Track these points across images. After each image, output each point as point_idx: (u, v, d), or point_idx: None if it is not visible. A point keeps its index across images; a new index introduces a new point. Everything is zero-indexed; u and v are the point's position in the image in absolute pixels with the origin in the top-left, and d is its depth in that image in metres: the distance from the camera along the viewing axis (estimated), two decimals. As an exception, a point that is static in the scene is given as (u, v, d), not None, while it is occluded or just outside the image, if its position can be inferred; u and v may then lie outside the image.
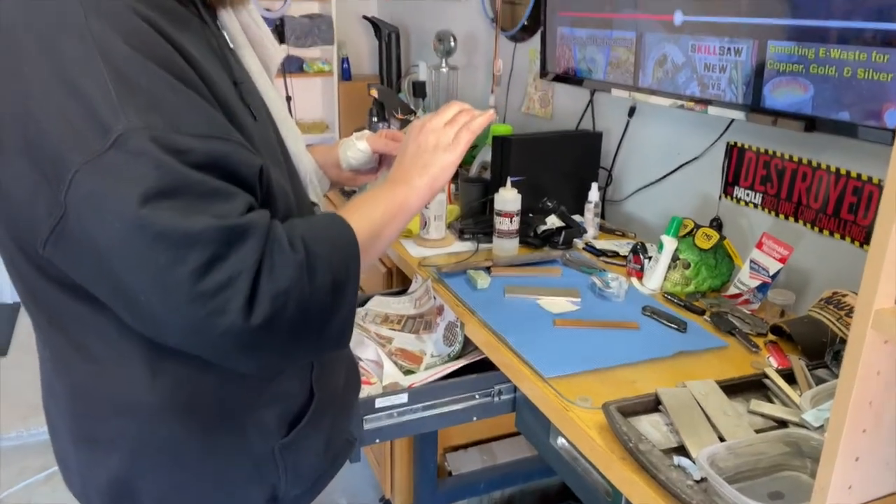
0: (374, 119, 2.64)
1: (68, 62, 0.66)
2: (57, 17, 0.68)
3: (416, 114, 2.49)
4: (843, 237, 1.39)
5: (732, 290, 1.48)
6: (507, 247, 1.72)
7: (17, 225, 0.74)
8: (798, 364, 1.16)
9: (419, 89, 2.83)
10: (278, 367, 0.86)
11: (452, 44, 2.71)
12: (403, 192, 0.91)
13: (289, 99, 3.43)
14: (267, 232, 0.70)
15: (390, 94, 2.64)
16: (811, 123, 1.32)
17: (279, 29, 3.55)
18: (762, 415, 1.04)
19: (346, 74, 3.90)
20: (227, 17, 0.93)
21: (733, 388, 1.10)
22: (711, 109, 1.54)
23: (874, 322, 0.62)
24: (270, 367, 0.84)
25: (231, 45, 0.92)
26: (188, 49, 0.74)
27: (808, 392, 1.05)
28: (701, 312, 1.41)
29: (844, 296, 1.27)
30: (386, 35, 3.37)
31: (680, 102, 1.64)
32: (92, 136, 0.65)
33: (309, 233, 0.75)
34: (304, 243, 0.73)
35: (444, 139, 0.96)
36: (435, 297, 1.55)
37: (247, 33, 0.95)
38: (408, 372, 1.42)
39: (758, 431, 0.99)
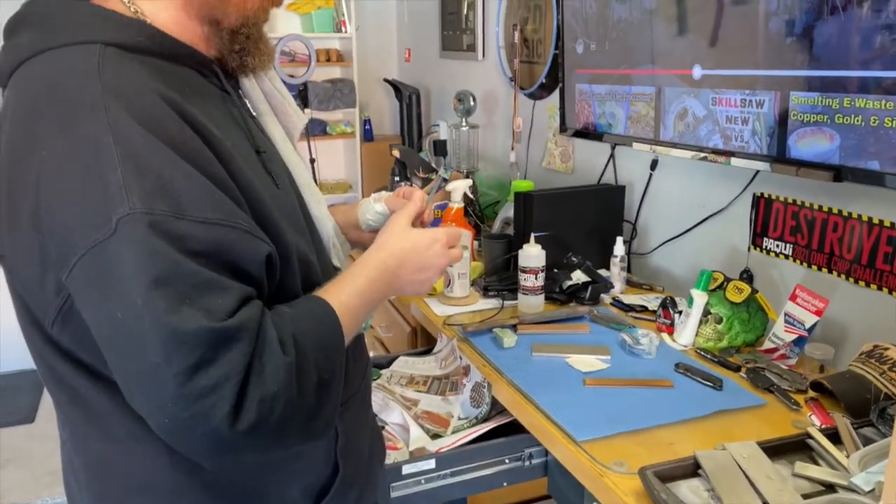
0: (397, 178, 2.67)
1: (82, 143, 0.67)
2: (77, 96, 0.70)
3: (437, 172, 2.51)
4: (880, 288, 1.35)
5: (768, 345, 1.43)
6: (532, 303, 1.69)
7: (31, 302, 0.75)
8: (843, 423, 1.11)
9: (440, 148, 2.86)
10: (254, 462, 0.83)
11: (472, 103, 2.75)
12: (389, 292, 0.92)
13: (313, 161, 3.48)
14: (257, 333, 0.69)
15: (412, 154, 2.67)
16: (839, 173, 1.30)
17: (303, 94, 3.63)
18: (808, 478, 0.99)
19: (368, 135, 3.96)
20: (249, 85, 0.94)
21: (776, 450, 1.05)
22: (735, 161, 1.53)
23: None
24: (246, 463, 0.82)
25: (254, 114, 0.94)
26: (208, 126, 0.75)
27: (855, 453, 1.00)
28: (736, 369, 1.36)
29: (886, 349, 1.22)
30: (407, 96, 3.43)
31: (703, 155, 1.63)
32: (97, 221, 0.65)
33: (299, 331, 0.74)
34: (295, 344, 0.72)
35: (440, 262, 0.95)
36: (461, 357, 1.53)
37: (269, 101, 0.97)
38: (435, 436, 1.38)
39: (805, 497, 0.94)
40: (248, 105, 0.94)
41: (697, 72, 1.61)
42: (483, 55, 2.97)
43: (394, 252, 0.92)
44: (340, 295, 0.83)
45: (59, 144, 0.68)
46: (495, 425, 1.38)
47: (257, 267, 0.74)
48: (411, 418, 1.40)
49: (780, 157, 1.43)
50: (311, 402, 0.73)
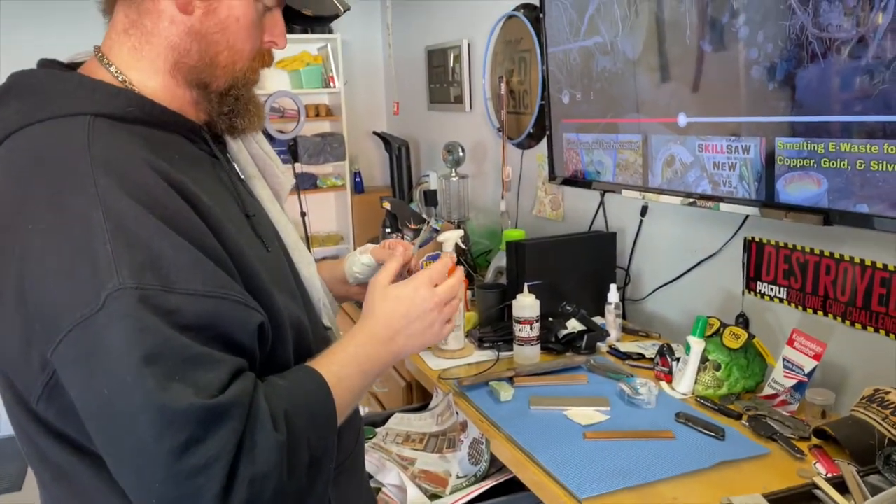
0: (388, 230, 2.67)
1: (70, 217, 0.67)
2: (65, 169, 0.69)
3: (427, 222, 2.51)
4: (876, 330, 1.34)
5: (768, 391, 1.42)
6: (528, 354, 1.67)
7: (15, 379, 0.73)
8: (849, 471, 1.09)
9: (430, 198, 2.87)
10: None
11: (461, 153, 2.77)
12: (390, 359, 0.88)
13: (304, 215, 3.48)
14: (248, 410, 0.68)
15: (402, 206, 2.67)
16: (829, 217, 1.31)
17: (293, 148, 3.66)
18: (818, 531, 0.96)
19: (358, 187, 3.98)
20: (237, 148, 0.95)
21: (782, 502, 1.02)
22: (725, 206, 1.54)
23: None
24: None
25: (242, 177, 0.94)
26: (199, 195, 0.74)
27: (864, 503, 0.97)
28: (738, 417, 1.34)
29: (887, 393, 1.21)
30: (396, 148, 3.46)
31: (691, 200, 1.64)
32: (85, 297, 0.64)
33: (292, 407, 0.72)
34: (287, 421, 0.71)
35: (440, 317, 0.92)
36: (457, 413, 1.50)
37: (257, 163, 0.97)
38: (433, 496, 1.34)
39: (816, 552, 0.91)
40: (237, 168, 0.94)
41: (682, 119, 1.63)
42: (470, 107, 3.01)
43: (379, 318, 0.89)
44: (332, 366, 0.81)
45: (47, 218, 0.68)
46: (495, 483, 1.35)
47: (249, 337, 0.72)
48: (408, 479, 1.37)
49: (768, 201, 1.43)
50: (301, 482, 0.71)
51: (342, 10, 0.90)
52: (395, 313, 0.89)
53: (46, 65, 0.82)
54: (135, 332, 0.64)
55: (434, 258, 2.15)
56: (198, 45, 0.80)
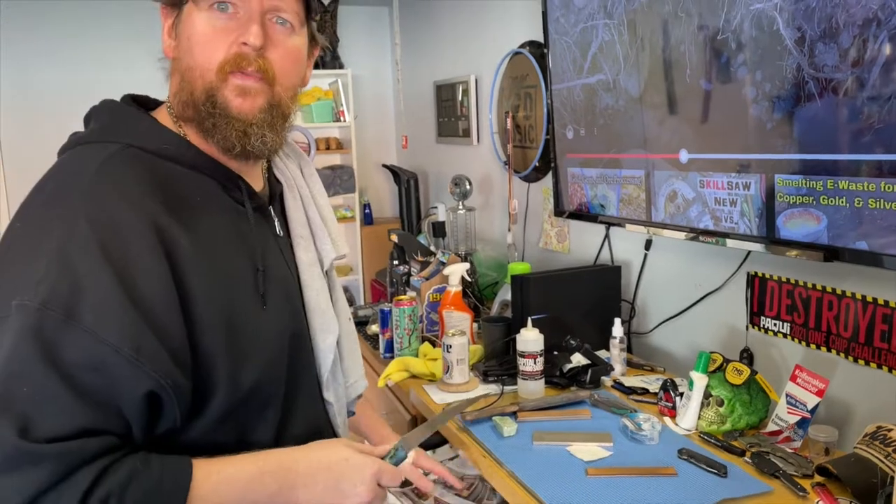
0: (395, 262, 2.69)
1: (38, 226, 0.73)
2: (62, 188, 0.76)
3: (434, 255, 2.53)
4: (879, 366, 1.34)
5: (771, 427, 1.41)
6: (532, 388, 1.68)
7: None
8: (851, 510, 1.09)
9: (439, 230, 2.90)
10: None
11: (468, 186, 2.80)
12: (278, 498, 0.80)
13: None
14: (67, 472, 0.65)
15: (410, 239, 2.70)
16: (830, 253, 1.32)
17: (303, 180, 3.71)
18: (819, 572, 0.96)
19: (367, 219, 4.02)
20: (293, 206, 0.97)
21: (784, 541, 1.02)
22: (730, 242, 1.55)
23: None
24: None
25: (279, 232, 0.95)
26: (181, 242, 0.75)
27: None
28: (741, 453, 1.34)
29: (890, 430, 1.20)
30: (405, 181, 3.50)
31: (693, 235, 1.65)
32: (4, 299, 0.68)
33: (126, 497, 0.68)
34: (104, 501, 0.66)
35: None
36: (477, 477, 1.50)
37: (310, 225, 0.99)
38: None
39: (816, 593, 0.91)
40: (276, 224, 0.95)
41: (684, 156, 1.65)
42: (478, 140, 3.05)
43: (314, 456, 0.83)
44: (220, 473, 0.75)
45: (29, 219, 0.74)
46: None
47: (130, 400, 0.70)
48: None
49: (769, 237, 1.45)
50: None
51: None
52: (326, 467, 0.83)
53: (125, 98, 0.89)
54: (8, 350, 0.67)
55: (440, 291, 2.17)
56: (180, 77, 0.85)
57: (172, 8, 0.86)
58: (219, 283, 0.78)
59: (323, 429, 0.98)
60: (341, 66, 3.86)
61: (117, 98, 0.89)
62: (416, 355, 1.94)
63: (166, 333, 0.72)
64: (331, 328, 0.96)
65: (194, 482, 0.73)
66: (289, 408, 0.88)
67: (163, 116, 0.87)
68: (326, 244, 1.00)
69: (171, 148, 0.82)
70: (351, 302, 4.04)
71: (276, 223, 0.95)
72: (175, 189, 0.79)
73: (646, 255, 2.02)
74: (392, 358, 1.96)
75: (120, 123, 0.83)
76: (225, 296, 0.78)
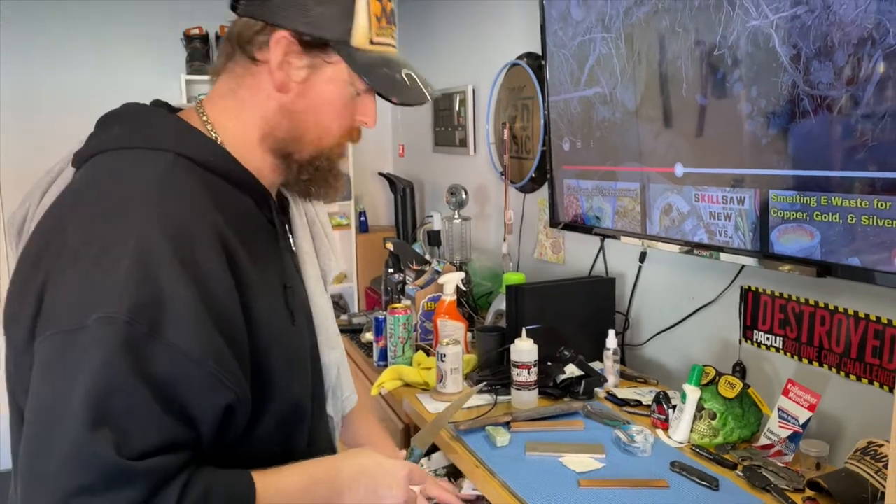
0: (391, 270, 2.69)
1: (109, 235, 0.71)
2: (127, 194, 0.75)
3: (430, 264, 2.54)
4: (871, 382, 1.35)
5: (763, 441, 1.42)
6: (525, 399, 1.68)
7: (17, 379, 0.76)
8: (841, 525, 1.09)
9: (434, 239, 2.91)
10: None
11: (464, 196, 2.81)
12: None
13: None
14: (157, 487, 0.67)
15: (405, 247, 2.70)
16: (823, 269, 1.33)
17: (299, 187, 3.71)
18: (809, 586, 0.96)
19: (363, 227, 4.02)
20: (299, 223, 0.99)
21: (775, 555, 1.02)
22: (724, 256, 1.56)
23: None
24: None
25: (293, 249, 0.97)
26: (242, 256, 0.77)
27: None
28: (733, 467, 1.34)
29: (881, 446, 1.21)
30: (401, 189, 3.51)
31: (688, 248, 1.66)
32: (81, 311, 0.68)
33: (210, 502, 0.70)
34: None
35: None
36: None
37: (314, 241, 1.01)
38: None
39: None
40: (290, 240, 0.97)
41: (679, 169, 1.66)
42: (474, 150, 3.06)
43: (352, 462, 0.88)
44: (276, 485, 0.79)
45: (95, 222, 0.73)
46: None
47: (210, 414, 0.72)
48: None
49: (763, 252, 1.46)
50: None
51: (428, 98, 0.93)
52: (367, 474, 0.88)
53: (156, 104, 0.90)
54: (100, 363, 0.66)
55: (435, 300, 2.17)
56: (288, 121, 0.86)
57: (310, 50, 0.84)
58: (267, 299, 0.80)
59: (330, 443, 1.01)
60: (339, 74, 3.87)
61: (106, 101, 0.90)
62: (410, 364, 1.94)
63: (237, 347, 0.74)
64: (335, 343, 0.99)
65: (258, 495, 0.76)
66: (313, 422, 0.91)
67: (196, 123, 0.86)
68: (330, 259, 1.02)
69: (217, 161, 0.83)
70: (345, 309, 4.04)
71: (291, 240, 0.97)
72: (224, 202, 0.81)
73: (640, 268, 2.02)
74: (386, 366, 1.96)
75: (164, 131, 0.83)
76: (271, 310, 0.81)
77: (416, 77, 0.91)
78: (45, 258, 0.73)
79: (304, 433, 0.88)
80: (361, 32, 0.85)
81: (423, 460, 1.60)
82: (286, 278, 0.87)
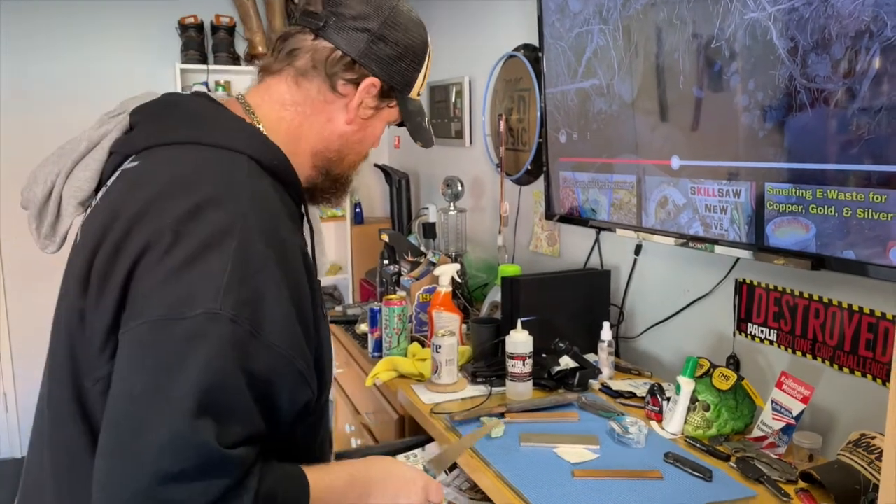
0: (386, 262, 2.69)
1: (207, 230, 0.73)
2: (223, 193, 0.78)
3: (425, 256, 2.53)
4: (864, 375, 1.36)
5: (757, 433, 1.42)
6: (520, 390, 1.68)
7: (82, 357, 0.78)
8: (833, 516, 1.10)
9: (429, 231, 2.90)
10: None
11: (460, 188, 2.81)
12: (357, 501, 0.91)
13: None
14: (244, 476, 0.70)
15: (400, 239, 2.70)
16: (818, 262, 1.33)
17: (294, 178, 3.70)
18: (801, 576, 0.97)
19: (358, 218, 4.01)
20: (305, 225, 1.04)
21: (767, 546, 1.03)
22: (719, 249, 1.56)
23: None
24: None
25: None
26: (311, 262, 0.85)
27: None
28: (726, 458, 1.35)
29: (873, 438, 1.22)
30: (396, 181, 3.50)
31: (683, 241, 1.66)
32: (181, 302, 0.70)
33: (274, 497, 0.74)
34: (266, 502, 0.72)
35: None
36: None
37: (312, 234, 1.05)
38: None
39: None
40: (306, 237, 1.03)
41: (675, 162, 1.66)
42: (470, 142, 3.06)
43: (379, 466, 0.96)
44: (323, 480, 0.84)
45: (185, 220, 0.74)
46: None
47: (291, 409, 0.77)
48: None
49: (758, 245, 1.46)
50: None
51: (434, 143, 1.13)
52: (391, 479, 0.95)
53: (201, 96, 0.94)
54: (208, 357, 0.68)
55: (430, 291, 2.17)
56: (340, 145, 0.98)
57: (383, 96, 0.97)
58: (320, 295, 0.87)
59: (328, 425, 1.08)
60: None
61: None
62: (405, 355, 1.94)
63: (311, 348, 0.81)
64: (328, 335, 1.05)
65: (311, 489, 0.80)
66: (327, 413, 0.97)
67: (240, 112, 0.92)
68: (323, 254, 1.09)
69: (279, 166, 0.89)
70: (339, 301, 4.04)
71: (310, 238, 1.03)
72: (285, 205, 0.87)
73: (635, 260, 2.03)
74: (380, 357, 1.96)
75: (236, 132, 0.88)
76: (321, 310, 0.87)
77: (429, 124, 1.09)
78: (126, 248, 0.75)
79: (327, 421, 0.95)
80: (416, 86, 1.01)
81: (417, 451, 1.60)
82: (312, 281, 0.93)
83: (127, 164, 0.87)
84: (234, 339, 0.69)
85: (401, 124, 1.04)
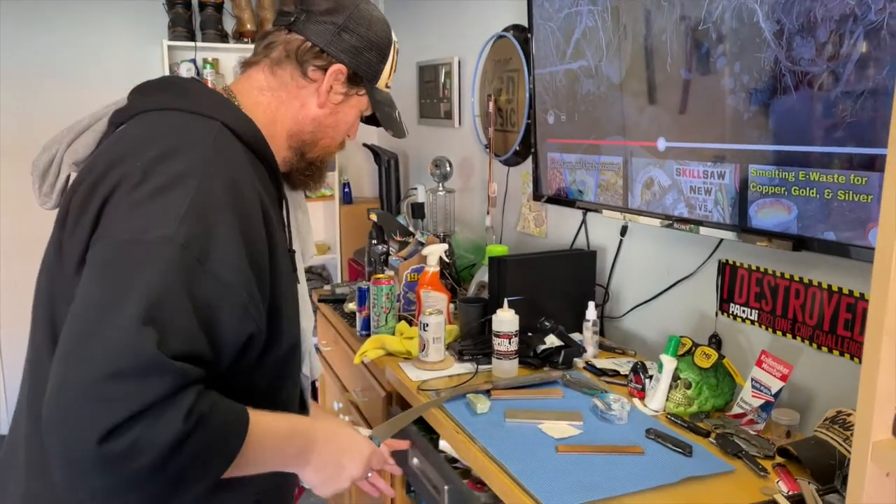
0: (374, 241, 2.70)
1: (174, 169, 0.83)
2: (192, 142, 0.88)
3: (413, 236, 2.54)
4: (841, 353, 1.39)
5: (736, 410, 1.46)
6: (506, 368, 1.71)
7: (59, 281, 0.86)
8: (808, 489, 1.13)
9: (418, 211, 2.91)
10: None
11: (449, 168, 2.81)
12: (298, 459, 0.96)
13: (291, 223, 3.51)
14: (180, 387, 0.73)
15: (389, 219, 2.71)
16: (799, 243, 1.35)
17: (282, 157, 3.68)
18: (775, 546, 1.00)
19: (346, 198, 4.01)
20: (292, 206, 1.12)
21: (743, 517, 1.06)
22: (703, 230, 1.58)
23: (873, 454, 0.61)
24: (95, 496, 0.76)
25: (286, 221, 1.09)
26: (272, 215, 0.92)
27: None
28: (706, 434, 1.38)
29: (849, 415, 1.25)
30: (385, 161, 3.50)
31: (668, 222, 1.68)
32: (141, 227, 0.78)
33: (210, 419, 0.76)
34: (198, 423, 0.74)
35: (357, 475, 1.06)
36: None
37: (298, 224, 1.14)
38: None
39: (772, 565, 0.95)
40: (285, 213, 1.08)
41: (662, 144, 1.68)
42: (459, 123, 3.06)
43: (327, 425, 1.03)
44: (264, 423, 0.87)
45: (154, 163, 0.82)
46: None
47: (235, 340, 0.82)
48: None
49: (741, 226, 1.48)
50: (164, 483, 0.73)
51: (406, 135, 1.27)
52: (337, 441, 1.03)
53: (196, 80, 1.06)
54: (156, 274, 0.74)
55: (418, 271, 2.19)
56: (314, 128, 1.08)
57: (351, 83, 1.08)
58: (282, 257, 0.93)
59: (302, 399, 1.15)
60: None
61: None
62: (393, 333, 1.96)
63: (263, 290, 0.87)
64: (310, 315, 1.11)
65: (249, 425, 0.83)
66: (296, 371, 1.04)
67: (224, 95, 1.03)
68: (308, 243, 1.16)
69: (252, 136, 0.97)
70: (328, 280, 4.04)
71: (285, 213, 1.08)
72: (256, 170, 0.95)
73: (621, 241, 2.05)
74: (368, 335, 1.97)
75: (212, 101, 0.97)
76: (284, 265, 0.94)
77: (399, 116, 1.21)
78: (102, 185, 0.83)
79: (292, 379, 1.00)
80: (384, 78, 1.13)
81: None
82: (291, 245, 1.01)
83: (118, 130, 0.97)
84: (182, 263, 0.76)
85: (373, 116, 1.14)
